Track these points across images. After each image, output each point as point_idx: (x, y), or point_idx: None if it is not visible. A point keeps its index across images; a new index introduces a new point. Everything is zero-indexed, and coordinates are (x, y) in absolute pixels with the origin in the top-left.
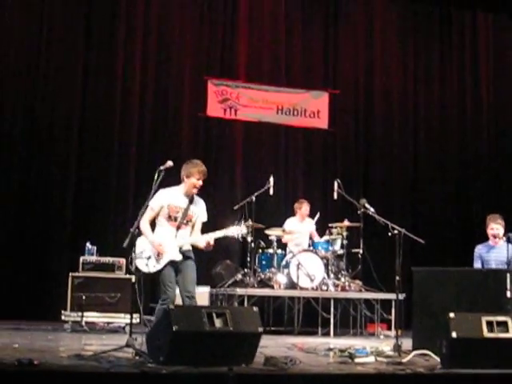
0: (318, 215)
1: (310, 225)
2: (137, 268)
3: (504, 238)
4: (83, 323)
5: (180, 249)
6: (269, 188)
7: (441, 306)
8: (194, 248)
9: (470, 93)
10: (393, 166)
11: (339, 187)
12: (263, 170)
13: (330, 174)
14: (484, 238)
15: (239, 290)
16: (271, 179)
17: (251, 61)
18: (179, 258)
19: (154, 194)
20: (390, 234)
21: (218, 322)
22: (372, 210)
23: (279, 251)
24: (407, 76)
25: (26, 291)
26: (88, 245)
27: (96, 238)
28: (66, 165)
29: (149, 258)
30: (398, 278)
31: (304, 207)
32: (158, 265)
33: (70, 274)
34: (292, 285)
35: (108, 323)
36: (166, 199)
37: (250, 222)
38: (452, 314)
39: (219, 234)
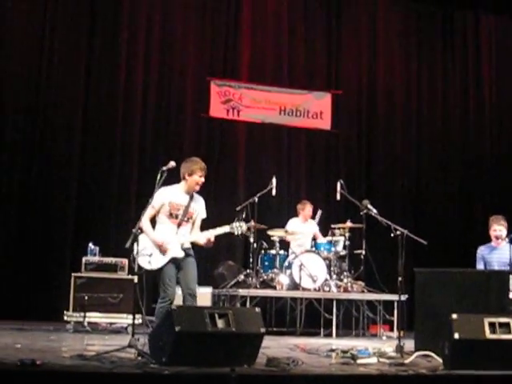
0: (319, 213)
1: (313, 226)
2: (139, 266)
3: (507, 239)
4: (85, 323)
5: (181, 246)
6: (271, 189)
7: (443, 307)
8: (194, 246)
9: (473, 93)
10: (395, 167)
11: (342, 188)
12: (266, 171)
13: (333, 174)
14: (486, 239)
15: (241, 291)
16: (274, 180)
17: (254, 61)
18: (181, 254)
19: None
20: (392, 234)
21: (220, 323)
22: (375, 210)
23: (282, 252)
24: (410, 76)
25: (29, 292)
26: (90, 245)
27: (98, 238)
28: (69, 165)
29: (150, 255)
30: (400, 279)
31: (307, 208)
32: (160, 261)
33: (73, 275)
34: (294, 286)
35: (110, 323)
36: (166, 197)
37: (252, 223)
38: (454, 315)
39: (220, 230)
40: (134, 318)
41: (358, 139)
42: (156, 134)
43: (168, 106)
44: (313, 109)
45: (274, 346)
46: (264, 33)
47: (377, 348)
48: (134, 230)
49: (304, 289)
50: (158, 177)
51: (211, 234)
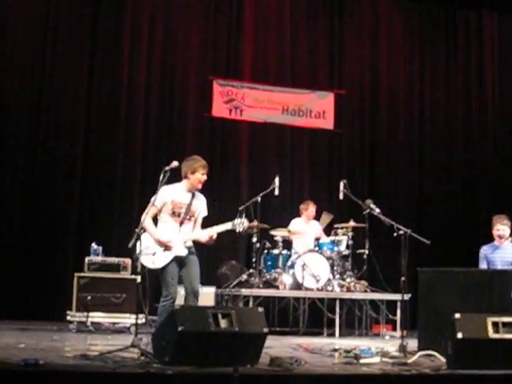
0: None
1: (316, 227)
2: (142, 265)
3: (510, 239)
4: (89, 323)
5: (184, 244)
6: (274, 188)
7: (446, 307)
8: (196, 245)
9: (476, 93)
10: (398, 167)
11: (345, 187)
12: (268, 171)
13: (336, 174)
14: (489, 239)
15: (244, 291)
16: (276, 180)
17: (256, 61)
18: (185, 252)
19: None
20: (395, 234)
21: (223, 323)
22: (377, 210)
23: (284, 252)
24: (413, 76)
25: (32, 291)
26: (93, 245)
27: (101, 238)
28: (72, 165)
29: (154, 254)
30: (403, 278)
31: (310, 208)
32: (163, 260)
33: (76, 275)
34: (297, 285)
35: (113, 323)
36: (169, 195)
37: (255, 223)
38: (457, 315)
39: (222, 227)
40: (137, 318)
41: (361, 139)
42: (159, 134)
43: (171, 105)
44: (316, 108)
45: (277, 346)
46: (266, 32)
47: (380, 347)
48: (137, 230)
49: (307, 288)
50: (161, 176)
51: (213, 231)
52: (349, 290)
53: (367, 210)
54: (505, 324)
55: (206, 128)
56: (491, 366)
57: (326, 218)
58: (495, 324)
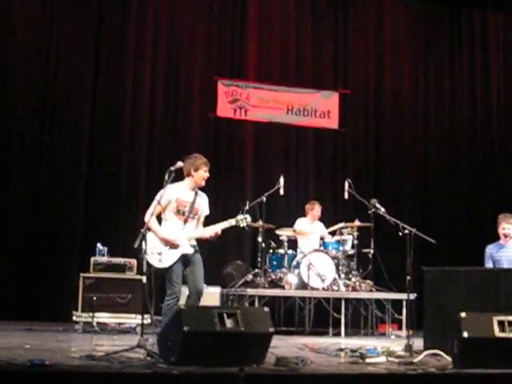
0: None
1: (321, 227)
2: (148, 265)
3: None
4: (94, 324)
5: (189, 242)
6: (279, 188)
7: (452, 306)
8: (199, 242)
9: (480, 93)
10: (403, 166)
11: (350, 187)
12: (273, 171)
13: (341, 173)
14: (495, 238)
15: (250, 291)
16: (281, 179)
17: (261, 61)
18: (191, 251)
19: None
20: (400, 233)
21: (228, 323)
22: (383, 209)
23: (290, 251)
24: (417, 76)
25: (37, 292)
26: (99, 245)
27: (107, 238)
28: (77, 165)
29: (160, 253)
30: (408, 277)
31: (316, 209)
32: (170, 259)
33: (81, 275)
34: (303, 285)
35: (119, 324)
36: (174, 194)
37: (260, 222)
38: (463, 314)
39: (225, 224)
40: (142, 318)
41: (366, 138)
42: (163, 134)
43: (175, 105)
44: (320, 108)
45: (283, 346)
46: (271, 32)
47: (385, 347)
48: (142, 230)
49: (312, 288)
50: (166, 177)
51: (217, 228)
52: (354, 289)
53: (372, 210)
54: (511, 323)
55: (210, 128)
56: (497, 365)
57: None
58: (501, 323)
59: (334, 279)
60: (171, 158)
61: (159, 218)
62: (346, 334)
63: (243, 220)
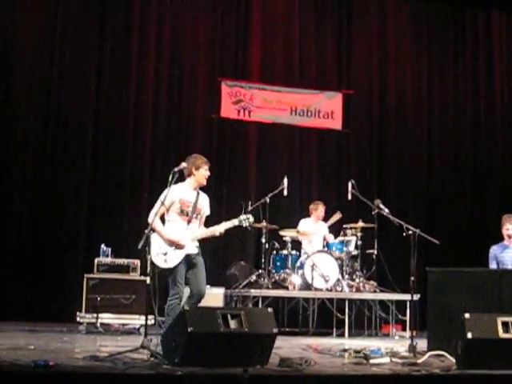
0: (337, 215)
1: (325, 228)
2: (153, 265)
3: None
4: (98, 325)
5: (193, 242)
6: (283, 189)
7: (456, 307)
8: (201, 242)
9: (484, 93)
10: (407, 167)
11: (353, 188)
12: (277, 171)
13: (344, 174)
14: (499, 239)
15: (254, 291)
16: (285, 180)
17: (265, 62)
18: (195, 251)
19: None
20: (404, 234)
21: (232, 323)
22: (386, 210)
23: (293, 252)
24: (421, 76)
25: (41, 293)
26: (103, 246)
27: (110, 239)
28: (80, 166)
29: (165, 253)
30: (412, 278)
31: (320, 209)
32: (175, 260)
33: (85, 276)
34: (306, 286)
35: (123, 325)
36: (177, 194)
37: (264, 223)
38: (467, 315)
39: (229, 224)
40: (146, 319)
41: (370, 139)
42: (167, 135)
43: (179, 106)
44: (324, 109)
45: (287, 347)
46: (275, 33)
47: (389, 348)
48: (146, 231)
49: (316, 289)
50: (170, 177)
51: (220, 227)
52: (358, 290)
53: (376, 210)
54: None
55: (214, 129)
56: (501, 366)
57: (336, 216)
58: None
59: (338, 280)
60: (175, 159)
61: (162, 219)
62: (350, 335)
63: (246, 220)
